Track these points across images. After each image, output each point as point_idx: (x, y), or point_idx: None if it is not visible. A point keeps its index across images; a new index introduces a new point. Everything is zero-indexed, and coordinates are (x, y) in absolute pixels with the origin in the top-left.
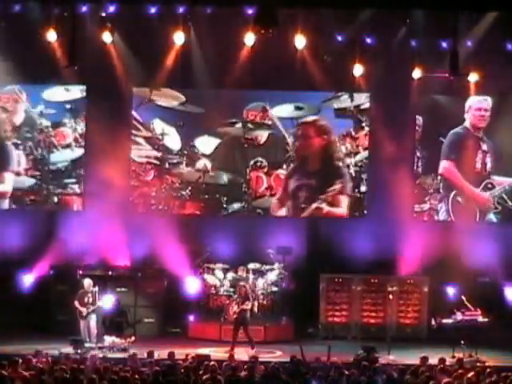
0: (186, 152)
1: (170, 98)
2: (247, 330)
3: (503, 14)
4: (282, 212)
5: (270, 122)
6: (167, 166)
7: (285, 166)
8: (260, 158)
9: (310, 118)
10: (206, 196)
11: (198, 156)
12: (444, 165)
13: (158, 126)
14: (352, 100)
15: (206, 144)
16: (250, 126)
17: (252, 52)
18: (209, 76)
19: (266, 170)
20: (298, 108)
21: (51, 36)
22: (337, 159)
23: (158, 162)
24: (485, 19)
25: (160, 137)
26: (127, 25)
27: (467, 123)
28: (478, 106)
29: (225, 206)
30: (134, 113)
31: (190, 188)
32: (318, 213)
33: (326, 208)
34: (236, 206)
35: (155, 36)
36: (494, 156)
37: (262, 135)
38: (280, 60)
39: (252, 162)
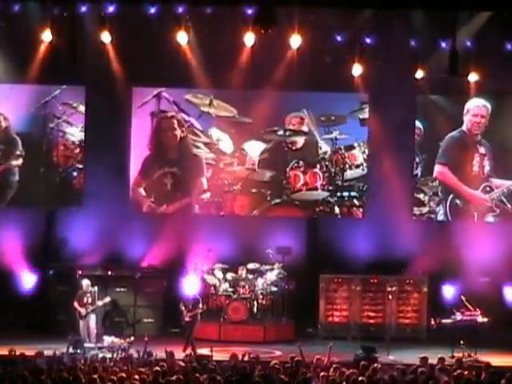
0: (237, 154)
1: (223, 110)
2: (192, 333)
3: (503, 14)
4: (151, 200)
5: (306, 129)
6: (221, 165)
7: (318, 166)
8: (297, 160)
9: (170, 113)
10: (254, 190)
11: (247, 158)
12: (438, 169)
13: (215, 133)
14: None
15: (253, 147)
16: (289, 133)
17: (251, 52)
18: (209, 76)
19: (302, 169)
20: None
21: (51, 36)
22: (194, 149)
23: (213, 162)
24: (484, 19)
25: (216, 142)
26: (127, 25)
27: (464, 126)
28: (475, 111)
29: (268, 198)
30: (194, 122)
31: (240, 183)
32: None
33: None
34: (278, 199)
35: (155, 36)
36: (494, 158)
37: (299, 141)
38: (278, 60)
39: (292, 163)
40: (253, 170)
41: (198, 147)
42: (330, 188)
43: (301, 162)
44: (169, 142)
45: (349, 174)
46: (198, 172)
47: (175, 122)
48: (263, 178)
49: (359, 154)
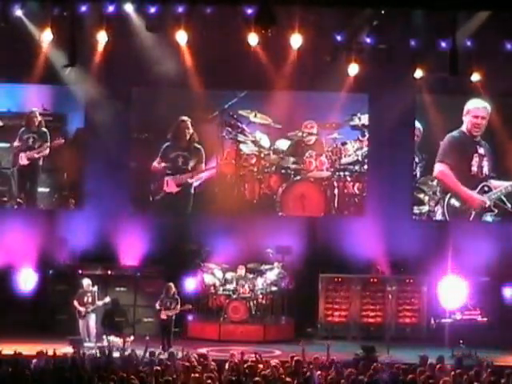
0: (272, 148)
1: (263, 120)
2: (170, 337)
3: (503, 14)
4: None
5: (315, 132)
6: (262, 155)
7: (324, 155)
8: (310, 151)
9: (184, 118)
10: (283, 171)
11: (278, 150)
12: (439, 168)
13: (258, 134)
14: (360, 120)
15: (282, 143)
16: (305, 134)
17: (251, 52)
18: (209, 76)
19: (314, 157)
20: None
21: (50, 36)
22: (196, 143)
23: (257, 153)
24: (484, 19)
25: (258, 140)
26: (127, 25)
27: (464, 127)
28: (475, 113)
29: (292, 176)
30: (245, 127)
31: (274, 167)
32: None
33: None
34: (298, 177)
35: (155, 36)
36: (493, 158)
37: (312, 139)
38: (278, 60)
39: (307, 153)
40: (281, 158)
41: (246, 143)
42: (332, 170)
43: (313, 153)
44: (183, 136)
45: (343, 160)
46: (199, 158)
47: (188, 124)
48: (288, 163)
49: (350, 148)
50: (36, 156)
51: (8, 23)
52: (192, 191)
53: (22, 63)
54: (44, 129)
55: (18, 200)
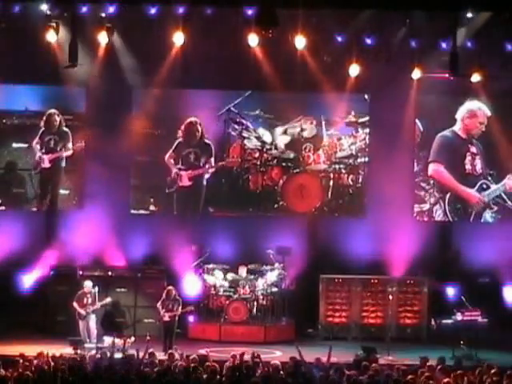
0: (273, 142)
1: (265, 118)
2: (172, 339)
3: (503, 14)
4: (178, 167)
5: (314, 128)
6: (264, 149)
7: (321, 150)
8: (308, 144)
9: (192, 119)
10: (283, 164)
11: (279, 145)
12: (432, 167)
13: (260, 130)
14: (354, 118)
15: (283, 139)
16: (303, 130)
17: (251, 53)
18: (208, 76)
19: (312, 152)
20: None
21: (51, 36)
22: (206, 139)
23: (260, 148)
24: (485, 19)
25: (261, 135)
26: (127, 25)
27: (457, 127)
28: (476, 114)
29: (292, 169)
30: (249, 124)
31: (276, 160)
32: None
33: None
34: (296, 170)
35: (155, 36)
36: (487, 157)
37: (310, 135)
38: (279, 61)
39: (305, 148)
40: (282, 152)
41: (250, 139)
42: (328, 163)
43: (311, 147)
44: (193, 136)
45: (339, 154)
46: (209, 154)
47: (197, 125)
48: (289, 156)
49: (345, 143)
50: (59, 157)
51: (8, 23)
52: (204, 183)
53: (38, 63)
54: (65, 128)
55: (38, 203)
